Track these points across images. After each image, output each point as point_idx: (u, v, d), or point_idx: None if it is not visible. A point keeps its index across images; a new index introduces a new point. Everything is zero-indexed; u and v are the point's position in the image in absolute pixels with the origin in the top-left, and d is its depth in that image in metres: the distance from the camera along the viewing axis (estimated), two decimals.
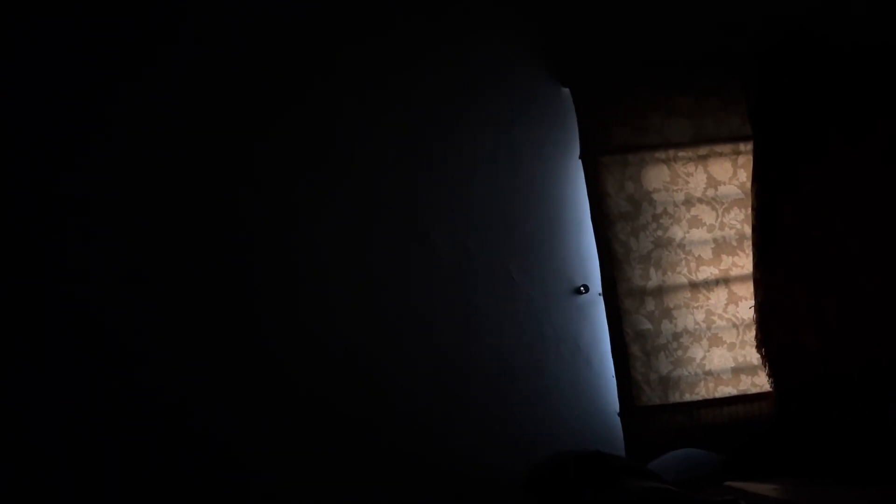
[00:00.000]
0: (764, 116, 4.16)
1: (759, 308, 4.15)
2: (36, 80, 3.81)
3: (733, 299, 4.30)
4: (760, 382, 4.25)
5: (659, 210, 4.29)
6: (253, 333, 3.95)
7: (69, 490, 3.74)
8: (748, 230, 4.25)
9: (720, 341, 4.28)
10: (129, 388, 3.81)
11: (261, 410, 3.92)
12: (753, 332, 4.19)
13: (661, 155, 4.32)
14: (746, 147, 4.30)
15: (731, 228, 4.32)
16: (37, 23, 3.80)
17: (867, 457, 3.77)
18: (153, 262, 3.87)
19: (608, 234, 4.26)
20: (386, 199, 4.11)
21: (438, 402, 4.09)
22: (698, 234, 4.31)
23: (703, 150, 4.33)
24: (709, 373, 4.27)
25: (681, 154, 4.32)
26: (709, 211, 4.32)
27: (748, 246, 4.25)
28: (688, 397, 4.25)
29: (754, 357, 4.22)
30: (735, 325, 4.29)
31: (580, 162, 4.27)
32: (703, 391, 4.26)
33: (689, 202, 4.31)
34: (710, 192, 4.32)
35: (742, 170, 4.33)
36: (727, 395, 4.26)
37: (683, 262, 4.29)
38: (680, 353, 4.25)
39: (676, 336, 4.26)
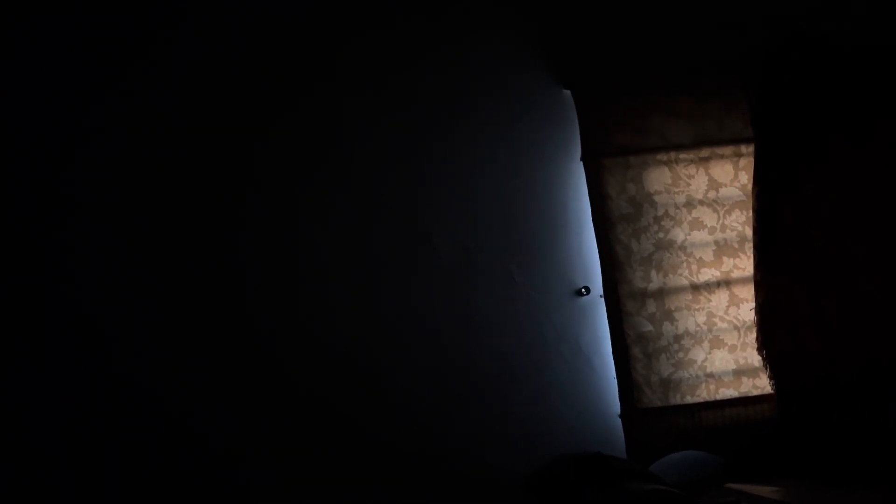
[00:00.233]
0: (765, 118, 4.16)
1: (760, 310, 4.14)
2: (35, 79, 3.80)
3: (734, 301, 4.29)
4: (762, 385, 4.24)
5: (660, 212, 4.29)
6: (253, 333, 3.93)
7: (69, 490, 3.72)
8: (749, 232, 4.24)
9: (721, 343, 4.27)
10: (129, 387, 3.79)
11: (261, 410, 3.90)
12: (754, 335, 4.19)
13: (662, 157, 4.31)
14: (748, 149, 4.30)
15: (732, 230, 4.31)
16: (36, 22, 3.79)
17: (867, 458, 3.77)
18: (153, 263, 3.85)
19: (609, 235, 4.25)
20: (386, 200, 4.10)
21: (439, 402, 4.07)
22: (699, 236, 4.30)
23: (704, 152, 4.33)
24: (710, 375, 4.26)
25: (682, 156, 4.32)
26: (710, 213, 4.31)
27: (749, 248, 4.25)
28: (689, 399, 4.24)
29: (756, 359, 4.21)
30: (736, 328, 4.28)
31: (581, 163, 4.27)
32: (705, 393, 4.25)
33: (690, 204, 4.31)
34: (712, 194, 4.32)
35: (743, 172, 4.32)
36: (728, 397, 4.25)
37: (684, 264, 4.29)
38: (681, 355, 4.25)
39: (677, 338, 4.25)
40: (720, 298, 4.29)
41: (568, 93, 4.30)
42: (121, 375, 3.79)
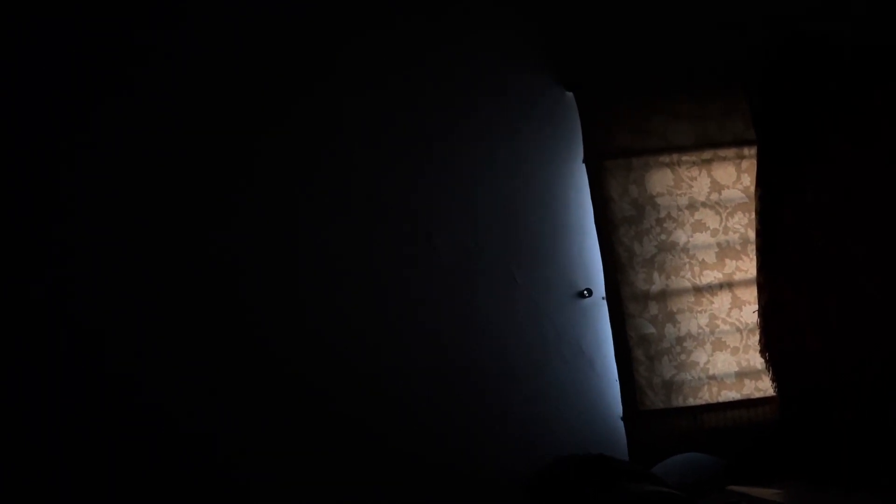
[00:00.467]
0: (766, 119, 4.16)
1: (763, 312, 4.14)
2: (36, 79, 3.81)
3: (737, 303, 4.29)
4: (764, 387, 4.22)
5: (663, 214, 4.29)
6: (253, 333, 3.93)
7: (69, 491, 3.72)
8: (752, 234, 4.24)
9: (724, 345, 4.26)
10: (129, 388, 3.80)
11: (261, 410, 3.90)
12: (757, 337, 4.18)
13: (664, 159, 4.31)
14: (750, 151, 4.30)
15: (734, 232, 4.31)
16: (36, 22, 3.81)
17: (867, 458, 3.76)
18: (153, 263, 3.86)
19: (612, 237, 4.25)
20: (386, 200, 4.10)
21: (439, 402, 4.07)
22: (702, 238, 4.30)
23: (706, 155, 4.33)
24: (712, 377, 4.25)
25: (685, 158, 4.32)
26: (712, 215, 4.31)
27: (752, 250, 4.24)
28: (691, 401, 4.22)
29: (758, 361, 4.20)
30: (739, 330, 4.27)
31: (584, 165, 4.26)
32: (707, 395, 4.24)
33: (692, 206, 4.30)
34: (714, 197, 4.31)
35: (746, 174, 4.32)
36: (731, 399, 4.24)
37: (687, 267, 4.28)
38: (683, 357, 4.23)
39: (680, 340, 4.25)
40: (722, 301, 4.28)
41: (570, 95, 4.29)
42: (121, 375, 3.80)
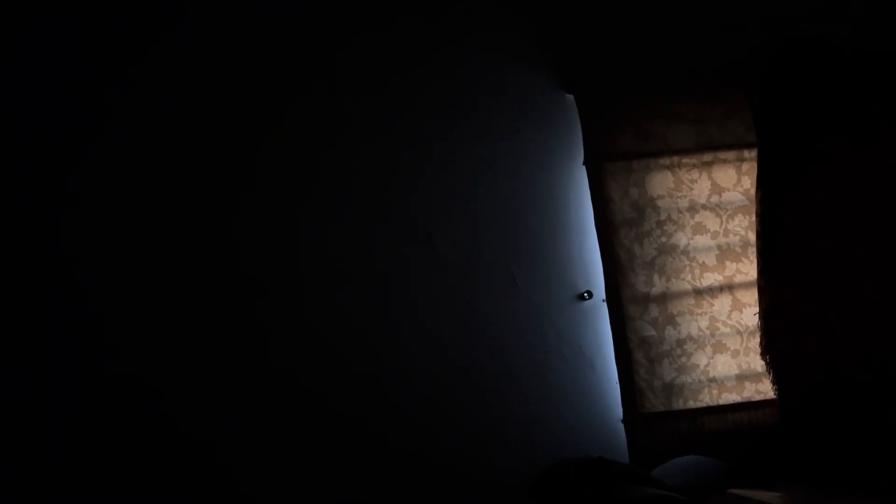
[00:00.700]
0: (766, 120, 4.16)
1: (764, 314, 4.13)
2: (36, 79, 3.81)
3: (737, 306, 4.28)
4: (764, 389, 4.22)
5: (663, 216, 4.28)
6: (253, 333, 3.93)
7: (69, 490, 3.72)
8: (752, 237, 4.23)
9: (724, 348, 4.26)
10: (130, 388, 3.79)
11: (261, 410, 3.90)
12: (757, 339, 4.17)
13: (665, 161, 4.31)
14: (750, 154, 4.29)
15: (735, 235, 4.30)
16: (37, 22, 3.81)
17: (867, 459, 3.75)
18: (154, 263, 3.86)
19: (612, 240, 4.24)
20: (386, 200, 4.10)
21: (439, 403, 4.06)
22: (702, 240, 4.29)
23: (707, 157, 4.33)
24: (713, 380, 4.24)
25: (685, 160, 4.31)
26: (713, 217, 4.30)
27: (752, 252, 4.23)
28: (692, 404, 4.22)
29: (758, 364, 4.19)
30: (739, 332, 4.27)
31: (584, 168, 4.26)
32: (707, 398, 4.23)
33: (693, 209, 4.30)
34: (715, 199, 4.31)
35: (746, 177, 4.31)
36: (731, 402, 4.23)
37: (687, 269, 4.27)
38: (684, 359, 4.23)
39: (680, 343, 4.24)
40: (723, 303, 4.28)
41: (570, 97, 4.29)
42: (121, 375, 3.79)
